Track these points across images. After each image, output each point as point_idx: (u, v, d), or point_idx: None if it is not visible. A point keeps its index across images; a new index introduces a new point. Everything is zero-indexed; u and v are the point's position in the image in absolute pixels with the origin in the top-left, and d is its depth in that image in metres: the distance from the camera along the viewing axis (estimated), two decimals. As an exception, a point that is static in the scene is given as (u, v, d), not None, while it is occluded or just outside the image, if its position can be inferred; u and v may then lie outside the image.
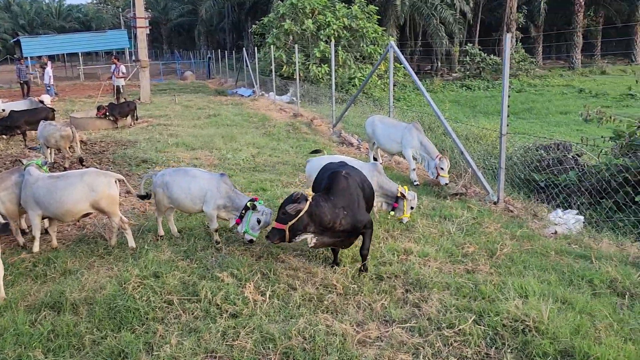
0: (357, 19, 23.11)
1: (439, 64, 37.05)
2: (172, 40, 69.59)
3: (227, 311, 4.38)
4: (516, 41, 35.76)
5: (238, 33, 51.04)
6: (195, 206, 5.94)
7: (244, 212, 5.65)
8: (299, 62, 18.38)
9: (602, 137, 8.89)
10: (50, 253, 5.79)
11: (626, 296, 4.50)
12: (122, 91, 20.43)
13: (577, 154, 8.98)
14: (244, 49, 28.00)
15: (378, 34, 23.80)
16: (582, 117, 9.78)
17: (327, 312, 4.38)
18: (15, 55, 48.69)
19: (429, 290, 4.66)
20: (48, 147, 9.79)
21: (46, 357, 3.76)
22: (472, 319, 4.02)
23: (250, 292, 4.63)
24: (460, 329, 3.92)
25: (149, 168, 9.94)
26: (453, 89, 31.27)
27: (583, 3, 39.23)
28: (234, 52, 37.01)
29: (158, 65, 43.60)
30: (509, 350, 3.69)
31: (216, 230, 5.94)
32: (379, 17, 25.01)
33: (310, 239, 4.85)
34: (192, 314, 4.38)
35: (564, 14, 43.86)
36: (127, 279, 4.91)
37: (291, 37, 23.76)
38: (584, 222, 6.68)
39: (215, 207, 5.81)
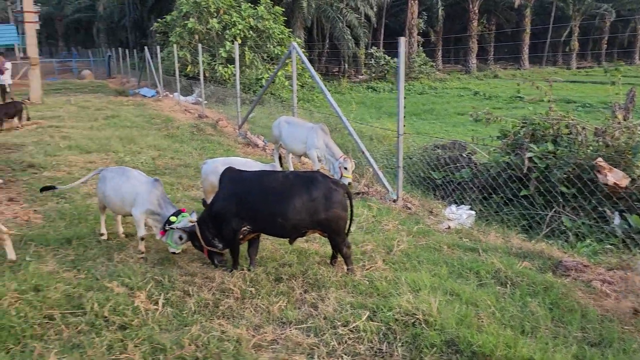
0: (264, 20, 23.03)
1: (346, 66, 37.85)
2: (69, 37, 65.30)
3: (114, 323, 4.12)
4: (417, 45, 37.45)
5: (141, 31, 48.93)
6: (124, 207, 5.69)
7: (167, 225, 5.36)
8: (204, 62, 17.99)
9: (490, 136, 9.51)
10: None
11: (508, 285, 4.81)
12: (8, 90, 18.80)
13: (470, 153, 9.54)
14: (146, 47, 26.84)
15: (285, 35, 23.88)
16: (472, 118, 10.39)
17: (222, 317, 4.26)
18: None
19: (326, 289, 4.69)
20: None
21: None
22: (366, 315, 4.09)
23: (141, 302, 4.40)
24: (354, 326, 3.97)
25: (35, 173, 9.21)
26: (360, 90, 32.13)
27: (477, 11, 41.91)
28: (136, 50, 35.45)
29: (52, 63, 40.76)
30: (399, 344, 3.80)
31: (142, 239, 5.59)
32: (285, 18, 25.10)
33: None
34: (76, 328, 4.08)
35: (460, 20, 46.67)
36: (1, 294, 4.48)
37: (196, 36, 23.16)
38: (475, 217, 7.09)
39: (144, 212, 5.52)
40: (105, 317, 4.21)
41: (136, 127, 14.50)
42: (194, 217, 5.33)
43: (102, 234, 6.07)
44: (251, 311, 4.36)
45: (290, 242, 5.25)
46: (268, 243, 5.85)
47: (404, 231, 6.32)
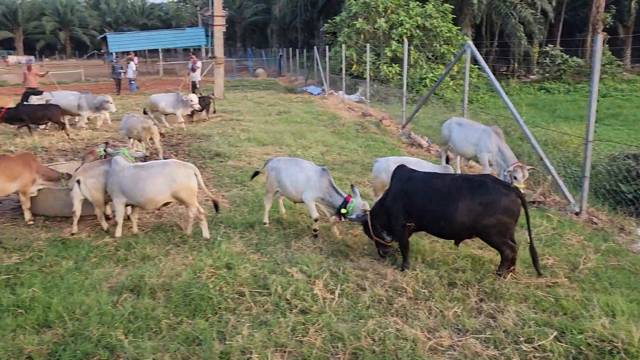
0: (431, 18, 22.68)
1: (516, 65, 35.60)
2: (245, 38, 71.30)
3: (296, 307, 4.40)
4: (603, 43, 33.71)
5: (309, 32, 51.48)
6: (298, 195, 6.28)
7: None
8: (369, 62, 18.28)
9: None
10: (130, 238, 6.08)
11: None
12: (198, 86, 21.14)
13: (669, 166, 8.36)
14: (315, 47, 28.17)
15: (452, 33, 23.23)
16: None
17: (397, 315, 4.30)
18: (102, 51, 51.67)
19: (505, 301, 4.47)
20: (130, 138, 10.30)
21: (126, 338, 3.93)
22: (553, 335, 3.81)
23: (319, 290, 4.64)
24: (540, 345, 3.73)
25: (221, 162, 10.22)
26: (530, 91, 29.94)
27: (680, 2, 36.41)
28: (305, 50, 37.40)
29: (231, 62, 44.84)
30: (593, 371, 3.47)
31: (316, 220, 6.13)
32: (454, 16, 24.42)
33: None
34: (263, 307, 4.44)
35: (656, 14, 40.89)
36: (201, 268, 5.06)
37: (362, 36, 23.68)
38: (678, 239, 6.19)
39: (314, 197, 6.09)
40: (288, 299, 4.51)
41: (305, 123, 15.29)
42: (360, 200, 5.90)
43: (264, 223, 6.57)
44: (425, 313, 4.33)
45: (456, 244, 5.30)
46: (438, 245, 5.77)
47: (590, 248, 5.76)
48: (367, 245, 5.83)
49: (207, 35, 40.09)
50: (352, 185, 6.20)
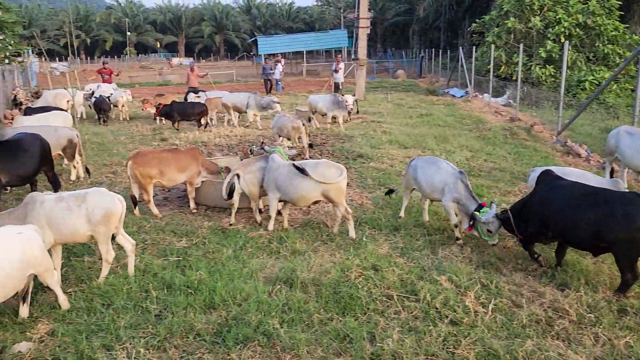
0: (594, 15, 20.68)
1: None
2: (386, 39, 71.47)
3: (446, 317, 4.30)
4: None
5: (453, 31, 50.01)
6: (432, 193, 6.36)
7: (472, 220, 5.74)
8: (521, 62, 17.23)
9: None
10: (282, 232, 6.41)
11: None
12: (341, 87, 21.66)
13: None
14: (459, 47, 27.30)
15: (619, 32, 20.96)
16: None
17: (558, 338, 4.00)
18: (251, 53, 55.26)
19: (688, 337, 3.93)
20: (280, 136, 10.87)
21: (281, 327, 4.15)
22: None
23: (470, 302, 4.48)
24: None
25: (364, 163, 10.34)
26: None
27: None
28: (448, 51, 36.42)
29: (372, 64, 45.23)
30: None
31: (456, 226, 6.08)
32: (621, 12, 22.02)
33: None
34: (411, 312, 4.40)
35: None
36: (348, 267, 5.17)
37: (513, 36, 22.39)
38: None
39: (452, 199, 6.04)
40: (437, 308, 4.42)
41: (448, 126, 14.89)
42: (494, 210, 5.65)
43: (399, 217, 6.79)
44: (591, 340, 3.97)
45: (594, 255, 5.13)
46: (605, 267, 5.25)
47: None
48: (522, 259, 5.51)
49: (349, 37, 40.89)
50: (492, 202, 5.84)
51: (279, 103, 14.68)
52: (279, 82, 26.27)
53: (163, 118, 15.03)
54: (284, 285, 4.92)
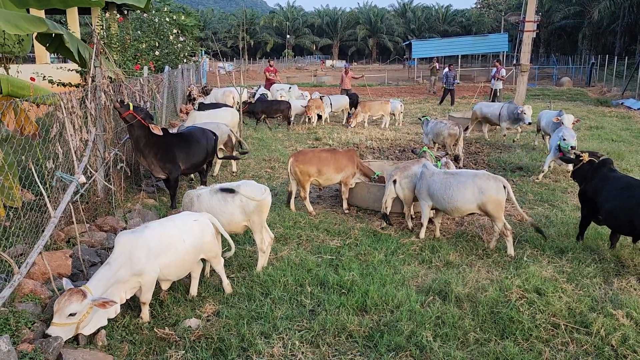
0: None
1: None
2: (550, 43, 66.36)
3: (625, 357, 3.81)
4: None
5: (631, 36, 44.73)
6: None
7: None
8: None
9: None
10: (434, 242, 6.25)
11: None
12: (498, 94, 20.59)
13: None
14: (639, 54, 24.25)
15: None
16: None
17: None
18: (404, 57, 55.12)
19: None
20: (435, 143, 10.63)
21: (434, 341, 4.02)
22: None
23: (656, 345, 3.91)
24: None
25: (523, 176, 9.68)
26: None
27: None
28: (626, 57, 32.61)
29: (533, 70, 42.28)
30: None
31: None
32: None
33: None
34: (582, 347, 3.98)
35: None
36: (508, 287, 4.85)
37: None
38: None
39: None
40: (613, 346, 3.95)
41: (623, 141, 13.31)
42: None
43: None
44: None
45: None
46: None
47: None
48: None
49: (509, 41, 38.66)
50: None
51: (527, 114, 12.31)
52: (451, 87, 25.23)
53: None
54: (437, 297, 4.78)
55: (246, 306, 4.60)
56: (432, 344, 3.96)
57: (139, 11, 16.08)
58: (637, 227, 5.27)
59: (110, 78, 7.12)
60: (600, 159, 6.29)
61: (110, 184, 6.73)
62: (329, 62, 69.76)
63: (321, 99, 16.42)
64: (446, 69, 22.65)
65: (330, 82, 37.07)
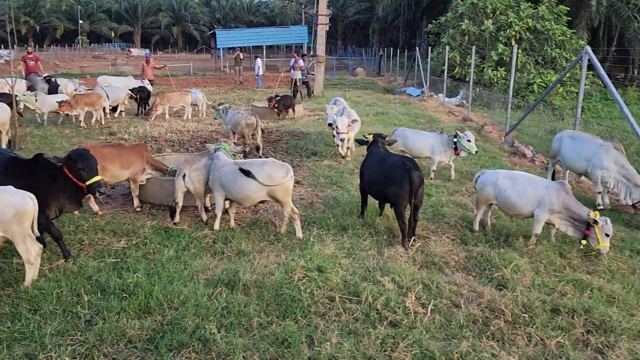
0: (544, 20, 21.35)
1: (635, 73, 32.63)
2: (346, 36, 71.78)
3: (387, 318, 4.30)
4: None
5: (411, 31, 50.70)
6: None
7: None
8: (473, 64, 17.60)
9: None
10: (228, 232, 6.29)
11: None
12: (298, 84, 21.52)
13: None
14: (417, 47, 27.67)
15: (566, 36, 21.72)
16: None
17: (493, 339, 4.06)
18: (211, 47, 54.31)
19: (615, 336, 4.07)
20: (234, 133, 10.69)
21: (219, 332, 4.05)
22: (675, 383, 3.40)
23: (411, 303, 4.50)
24: (658, 393, 3.34)
25: (317, 161, 10.30)
26: (651, 101, 27.32)
27: None
28: (405, 50, 36.85)
29: (331, 61, 45.27)
30: None
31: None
32: (568, 18, 22.82)
33: None
34: (352, 315, 4.38)
35: None
36: (293, 268, 5.10)
37: (467, 38, 22.86)
38: None
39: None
40: (378, 310, 4.42)
41: (402, 125, 15.01)
42: None
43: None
44: (524, 340, 4.05)
45: None
46: (542, 267, 5.39)
47: None
48: (466, 258, 5.59)
49: (309, 34, 40.72)
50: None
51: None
52: (258, 77, 25.95)
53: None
54: (225, 288, 4.81)
55: (8, 328, 4.07)
56: (216, 336, 3.97)
57: None
58: (388, 196, 6.16)
59: None
60: (371, 136, 7.11)
61: None
62: (135, 51, 65.08)
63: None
64: (258, 59, 23.45)
65: (132, 71, 34.85)
